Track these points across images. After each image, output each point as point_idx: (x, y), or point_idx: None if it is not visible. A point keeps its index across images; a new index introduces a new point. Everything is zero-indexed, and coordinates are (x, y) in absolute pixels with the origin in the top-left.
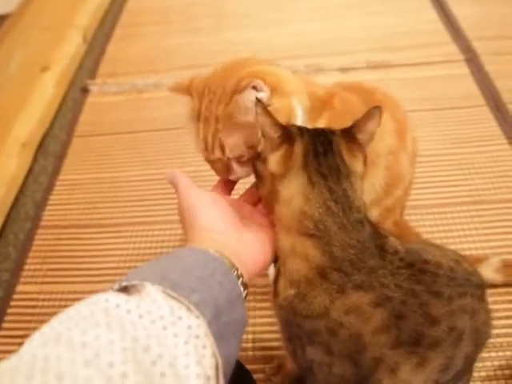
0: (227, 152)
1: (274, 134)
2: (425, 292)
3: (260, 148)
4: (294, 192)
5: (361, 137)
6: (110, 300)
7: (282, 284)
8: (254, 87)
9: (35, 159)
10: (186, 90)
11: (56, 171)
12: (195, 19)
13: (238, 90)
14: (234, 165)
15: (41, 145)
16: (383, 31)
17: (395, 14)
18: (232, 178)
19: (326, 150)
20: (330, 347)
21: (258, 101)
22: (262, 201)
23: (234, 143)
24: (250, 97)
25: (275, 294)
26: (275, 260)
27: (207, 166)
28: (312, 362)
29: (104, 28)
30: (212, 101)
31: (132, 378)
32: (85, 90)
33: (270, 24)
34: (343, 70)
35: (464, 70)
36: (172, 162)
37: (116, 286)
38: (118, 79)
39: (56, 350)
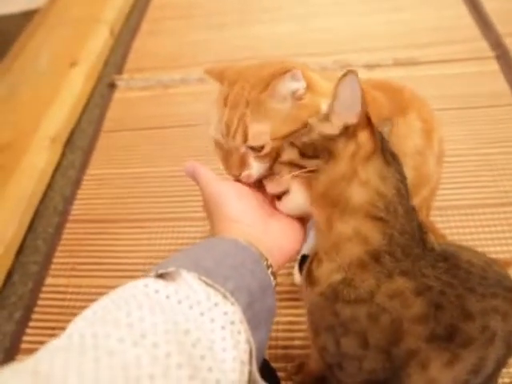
0: (249, 139)
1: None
2: (460, 287)
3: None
4: (372, 172)
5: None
6: (149, 285)
7: (326, 271)
8: (293, 76)
9: (63, 154)
10: (219, 74)
11: (84, 166)
12: (221, 14)
13: (276, 76)
14: (251, 159)
15: (69, 140)
16: (411, 27)
17: (423, 9)
18: (244, 175)
19: (381, 137)
20: (367, 337)
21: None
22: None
23: (258, 130)
24: (287, 84)
25: (312, 283)
26: (301, 259)
27: None
28: (343, 357)
29: (131, 23)
30: (244, 87)
31: (175, 357)
32: (112, 86)
33: (295, 19)
34: (369, 66)
35: (494, 67)
36: (198, 159)
37: (152, 272)
38: (144, 74)
39: (104, 330)
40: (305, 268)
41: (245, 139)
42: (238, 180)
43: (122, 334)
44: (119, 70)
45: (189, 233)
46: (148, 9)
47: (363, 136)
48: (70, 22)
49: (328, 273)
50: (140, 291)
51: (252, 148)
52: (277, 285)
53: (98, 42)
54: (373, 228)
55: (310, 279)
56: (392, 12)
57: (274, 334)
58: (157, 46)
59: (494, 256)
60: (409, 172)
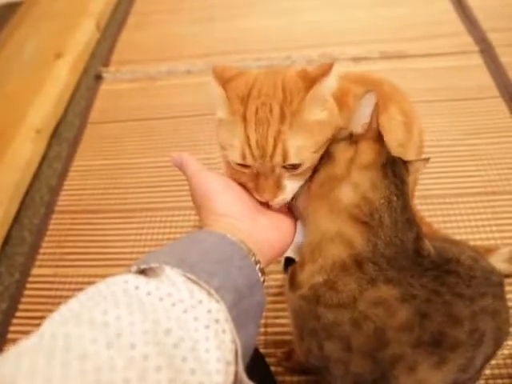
0: (291, 157)
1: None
2: (448, 294)
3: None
4: (365, 178)
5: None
6: (129, 282)
7: (308, 272)
8: (335, 73)
9: (49, 145)
10: (224, 83)
11: (70, 157)
12: (209, 7)
13: (316, 80)
14: (286, 180)
15: (55, 131)
16: (397, 21)
17: (409, 4)
18: (279, 201)
19: (389, 157)
20: (350, 342)
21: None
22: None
23: (301, 146)
24: (329, 84)
25: (294, 286)
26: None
27: (220, 153)
28: (329, 361)
29: (117, 16)
30: (266, 102)
31: (154, 360)
32: (98, 78)
33: (283, 12)
34: (356, 59)
35: (478, 61)
36: (185, 149)
37: (134, 268)
38: (131, 67)
39: (77, 329)
40: (289, 271)
41: (285, 158)
42: (268, 206)
43: (95, 335)
44: (105, 63)
45: (176, 222)
46: (135, 1)
47: (365, 146)
48: (55, 14)
49: (310, 275)
50: (119, 288)
51: (286, 167)
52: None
53: (84, 35)
54: (356, 231)
55: (293, 282)
56: (378, 6)
57: (263, 321)
58: (143, 38)
59: (478, 243)
60: None
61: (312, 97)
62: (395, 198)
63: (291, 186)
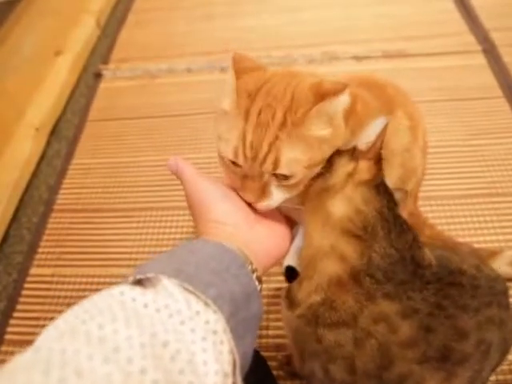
0: (281, 167)
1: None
2: (452, 307)
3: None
4: (359, 194)
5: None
6: (125, 293)
7: (305, 291)
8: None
9: (49, 143)
10: (240, 72)
11: (69, 155)
12: (209, 5)
13: (325, 96)
14: (273, 188)
15: (54, 129)
16: (399, 20)
17: (412, 2)
18: (263, 206)
19: (383, 179)
20: (354, 363)
21: None
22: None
23: (293, 158)
24: (339, 105)
25: (291, 305)
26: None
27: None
28: (333, 383)
29: (117, 13)
30: (271, 105)
31: (151, 374)
32: (98, 75)
33: (284, 11)
34: (358, 58)
35: (481, 60)
36: (185, 148)
37: (130, 278)
38: (130, 64)
39: (73, 344)
40: (285, 288)
41: (275, 167)
42: (249, 205)
43: (92, 350)
44: (105, 60)
45: (176, 222)
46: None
47: (364, 165)
48: (55, 11)
49: (307, 294)
50: (115, 300)
51: (276, 175)
52: (267, 274)
53: (84, 32)
54: (349, 245)
55: (291, 301)
56: (380, 5)
57: (264, 323)
58: (143, 36)
59: (481, 245)
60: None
61: (317, 112)
62: (386, 211)
63: (278, 194)
